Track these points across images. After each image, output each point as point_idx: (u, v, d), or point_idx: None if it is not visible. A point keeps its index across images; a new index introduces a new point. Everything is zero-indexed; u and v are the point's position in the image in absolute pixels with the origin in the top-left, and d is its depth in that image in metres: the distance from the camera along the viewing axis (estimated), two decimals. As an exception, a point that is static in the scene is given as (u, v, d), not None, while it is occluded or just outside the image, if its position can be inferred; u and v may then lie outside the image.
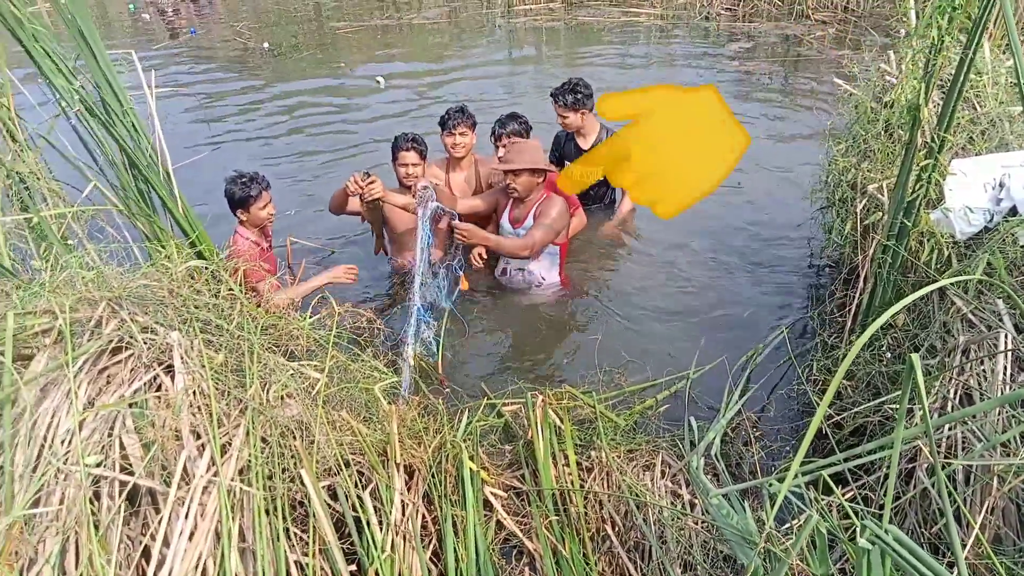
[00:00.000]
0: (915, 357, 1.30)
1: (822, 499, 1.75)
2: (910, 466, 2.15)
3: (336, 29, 12.45)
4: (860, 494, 2.15)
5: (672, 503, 2.43)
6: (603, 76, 8.71)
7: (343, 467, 2.15)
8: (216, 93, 8.75)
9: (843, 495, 1.96)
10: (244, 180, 3.50)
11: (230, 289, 2.28)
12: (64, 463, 1.76)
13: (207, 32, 12.76)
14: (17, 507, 1.69)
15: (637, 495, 2.41)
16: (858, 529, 1.35)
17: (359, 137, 7.06)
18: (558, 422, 2.79)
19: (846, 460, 1.80)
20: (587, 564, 2.33)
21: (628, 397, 3.21)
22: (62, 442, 1.80)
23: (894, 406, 2.30)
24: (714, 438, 2.66)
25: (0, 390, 1.79)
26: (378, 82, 8.84)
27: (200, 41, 12.02)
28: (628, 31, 11.56)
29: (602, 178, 4.73)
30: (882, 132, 3.10)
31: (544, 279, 4.08)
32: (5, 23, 2.45)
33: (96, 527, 1.77)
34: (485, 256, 4.08)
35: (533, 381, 3.43)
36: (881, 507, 2.07)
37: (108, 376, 1.98)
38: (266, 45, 11.31)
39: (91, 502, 1.78)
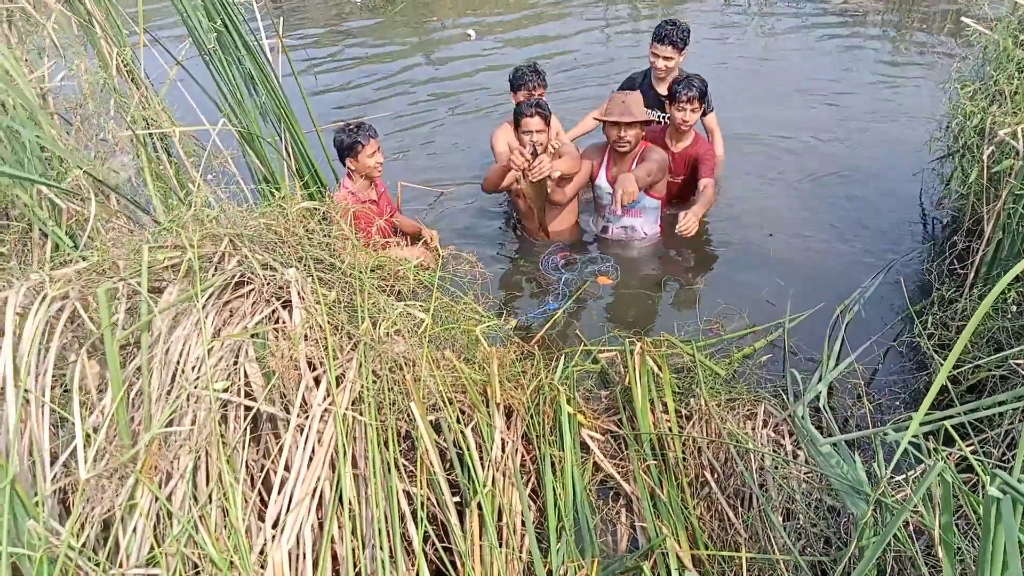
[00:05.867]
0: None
1: (943, 450, 1.69)
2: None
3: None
4: (981, 450, 2.06)
5: (774, 452, 2.40)
6: (703, 21, 8.39)
7: (446, 404, 2.21)
8: (312, 48, 8.90)
9: (961, 449, 1.88)
10: (352, 128, 3.54)
11: (341, 229, 2.35)
12: (195, 387, 1.89)
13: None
14: (155, 426, 1.83)
15: (738, 442, 2.38)
16: (987, 478, 1.30)
17: (453, 90, 7.04)
18: (656, 369, 2.78)
19: (968, 412, 1.72)
20: (685, 509, 2.34)
21: (726, 345, 3.17)
22: (192, 368, 1.93)
23: (1019, 361, 2.18)
24: (822, 389, 2.59)
25: (138, 318, 1.93)
26: (469, 35, 8.80)
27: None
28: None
29: None
30: (1016, 73, 2.88)
31: (647, 233, 4.04)
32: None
33: (224, 448, 1.89)
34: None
35: (629, 329, 3.42)
36: (1003, 460, 1.98)
37: (231, 309, 2.09)
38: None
39: (219, 424, 1.91)
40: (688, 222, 3.50)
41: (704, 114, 4.65)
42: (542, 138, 3.72)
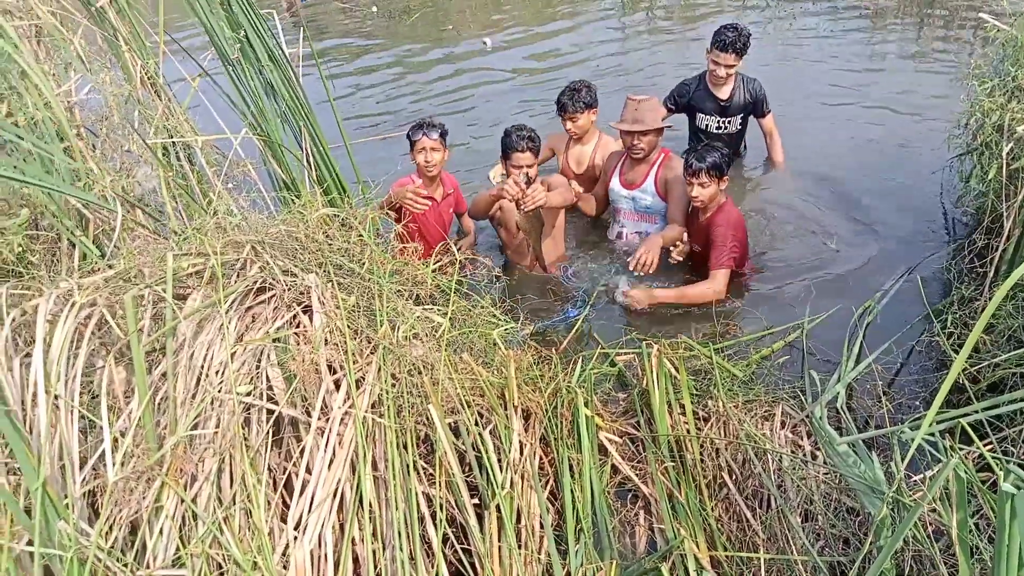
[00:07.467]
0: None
1: (960, 448, 1.69)
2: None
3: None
4: (1000, 448, 2.05)
5: (792, 453, 2.40)
6: (721, 23, 8.37)
7: (465, 407, 2.23)
8: (329, 57, 9.00)
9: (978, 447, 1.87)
10: (414, 124, 3.66)
11: (360, 236, 2.39)
12: (219, 391, 1.93)
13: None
14: (180, 429, 1.87)
15: (756, 443, 2.39)
16: (1001, 474, 1.30)
17: (465, 102, 7.07)
18: (673, 371, 2.78)
19: (986, 410, 1.72)
20: (703, 510, 2.34)
21: (743, 348, 3.17)
22: (216, 372, 1.97)
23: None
24: (840, 390, 2.58)
25: (163, 324, 1.98)
26: (484, 43, 8.84)
27: (311, 8, 12.33)
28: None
29: (740, 127, 4.61)
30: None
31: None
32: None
33: (247, 450, 1.93)
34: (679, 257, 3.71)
35: (646, 332, 3.42)
36: (1022, 460, 1.97)
37: (253, 314, 2.13)
38: (375, 9, 11.47)
39: (242, 428, 1.95)
40: (637, 298, 3.37)
41: (762, 115, 4.62)
42: (534, 172, 3.59)
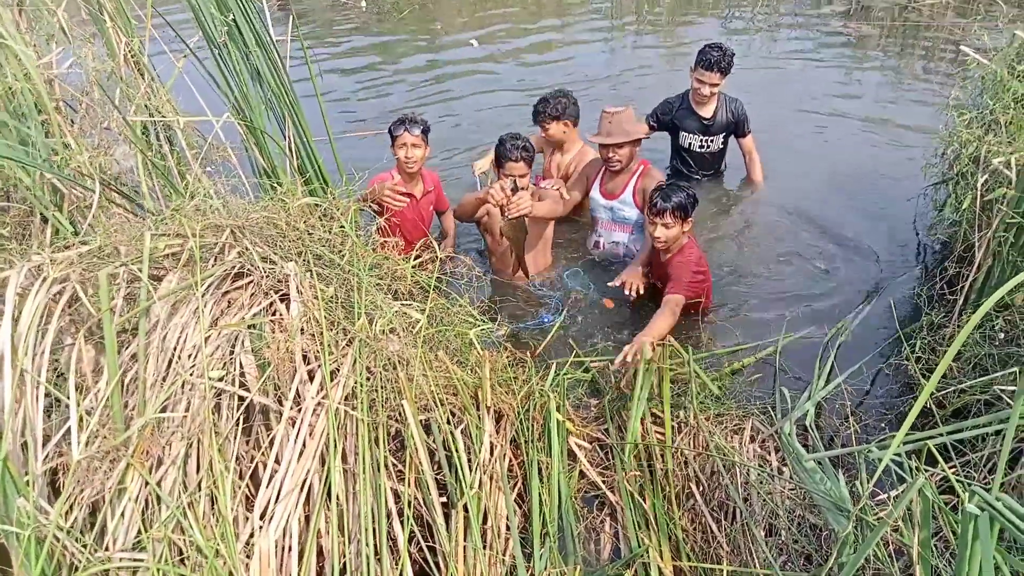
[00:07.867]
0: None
1: (925, 469, 1.72)
2: (1018, 446, 2.08)
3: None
4: (963, 472, 2.09)
5: (760, 467, 2.42)
6: (704, 40, 8.46)
7: (437, 404, 2.22)
8: (318, 50, 8.92)
9: (943, 469, 1.91)
10: (397, 119, 3.64)
11: (342, 227, 2.37)
12: (190, 375, 1.90)
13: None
14: (149, 411, 1.84)
15: (725, 455, 2.41)
16: (965, 495, 1.33)
17: (450, 98, 7.04)
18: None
19: (951, 434, 1.75)
20: (670, 520, 2.36)
21: (716, 360, 3.20)
22: (188, 356, 1.94)
23: (1004, 387, 2.22)
24: (809, 408, 2.62)
25: (137, 305, 1.94)
26: (472, 44, 8.84)
27: (301, 2, 12.20)
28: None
29: (722, 146, 4.66)
30: (1012, 103, 2.93)
31: (637, 251, 4.04)
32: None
33: (216, 436, 1.90)
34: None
35: (620, 342, 3.44)
36: (985, 483, 2.01)
37: (229, 300, 2.11)
38: (363, 5, 11.39)
39: (212, 413, 1.92)
40: (629, 353, 2.84)
41: (743, 135, 4.66)
42: (524, 182, 3.58)
